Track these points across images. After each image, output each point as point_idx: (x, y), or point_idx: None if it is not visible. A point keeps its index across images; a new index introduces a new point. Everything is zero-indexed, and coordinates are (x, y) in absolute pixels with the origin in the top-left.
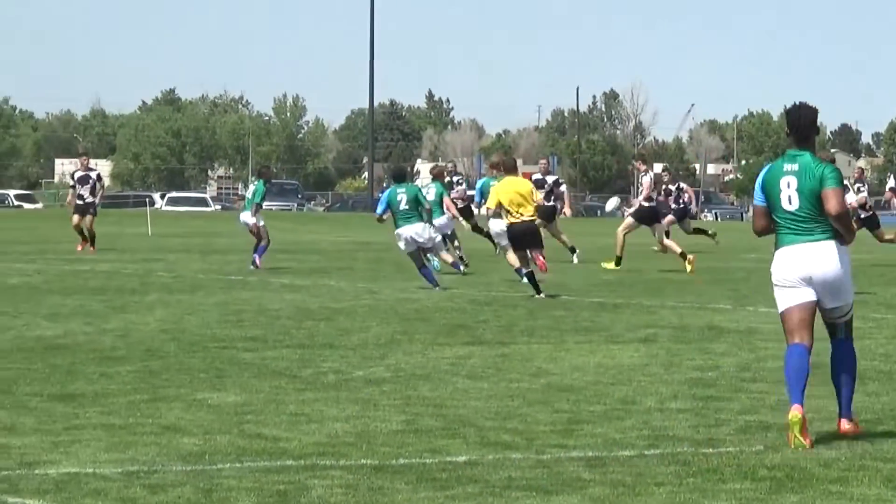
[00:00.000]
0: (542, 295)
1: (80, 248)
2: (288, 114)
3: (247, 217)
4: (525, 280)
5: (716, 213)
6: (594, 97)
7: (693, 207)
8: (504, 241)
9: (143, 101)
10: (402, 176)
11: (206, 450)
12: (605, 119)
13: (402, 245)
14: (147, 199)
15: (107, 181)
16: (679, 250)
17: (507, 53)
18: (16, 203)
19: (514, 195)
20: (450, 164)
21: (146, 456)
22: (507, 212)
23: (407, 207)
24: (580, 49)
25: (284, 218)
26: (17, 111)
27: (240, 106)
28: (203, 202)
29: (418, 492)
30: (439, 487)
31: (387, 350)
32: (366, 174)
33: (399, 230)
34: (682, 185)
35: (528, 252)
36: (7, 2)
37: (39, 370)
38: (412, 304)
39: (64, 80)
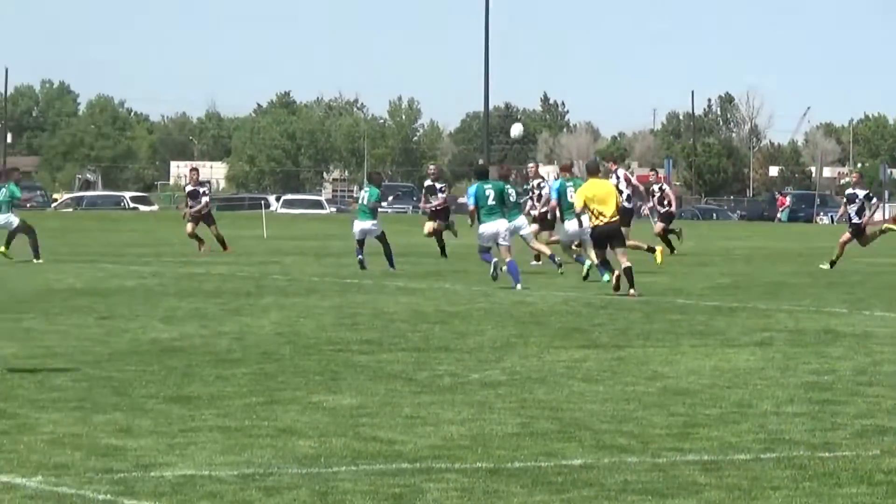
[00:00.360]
0: (606, 279)
1: (200, 249)
2: (403, 116)
3: (364, 225)
4: (606, 278)
5: (831, 217)
6: (709, 100)
7: (673, 209)
8: (569, 240)
9: (258, 104)
10: (486, 173)
11: (322, 452)
12: (721, 122)
13: (482, 240)
14: (262, 202)
15: (222, 183)
16: (644, 245)
17: (622, 56)
18: (131, 205)
19: (597, 196)
20: (431, 168)
21: (262, 458)
22: (591, 213)
23: (493, 203)
24: (695, 52)
25: (400, 220)
26: (132, 114)
27: (355, 108)
28: (318, 205)
29: (534, 495)
30: (555, 491)
31: (502, 353)
32: None
33: (482, 226)
34: (665, 186)
35: (606, 252)
36: (122, 5)
37: (155, 372)
38: (527, 308)
39: (179, 83)
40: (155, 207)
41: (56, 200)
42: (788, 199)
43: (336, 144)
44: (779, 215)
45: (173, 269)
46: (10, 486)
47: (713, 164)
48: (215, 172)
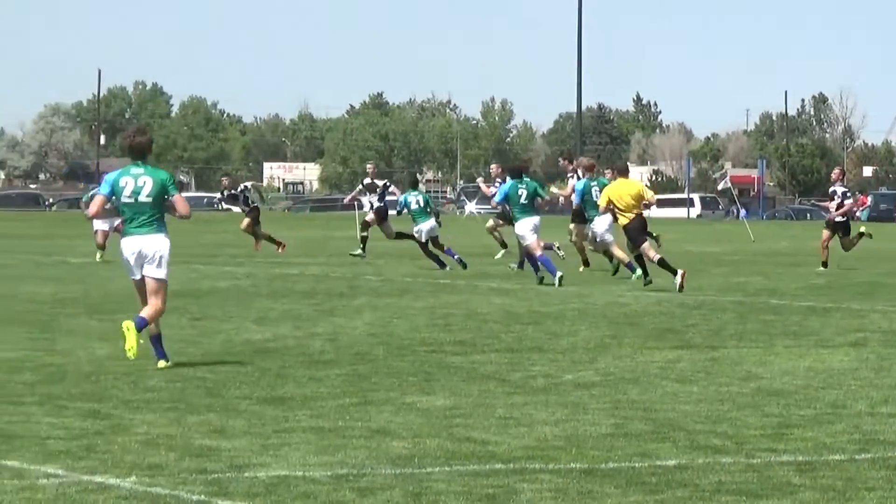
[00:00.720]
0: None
1: (257, 248)
2: (496, 117)
3: (431, 224)
4: (639, 272)
5: None
6: (803, 101)
7: None
8: (609, 238)
9: (351, 105)
10: (520, 172)
11: (416, 453)
12: (814, 122)
13: (526, 238)
14: (355, 203)
15: (315, 185)
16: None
17: (715, 56)
18: (225, 206)
19: (625, 196)
20: (369, 166)
21: (355, 459)
22: (620, 211)
23: (526, 202)
24: (788, 52)
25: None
26: (225, 115)
27: (447, 110)
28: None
29: (628, 496)
30: (649, 491)
31: (596, 354)
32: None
33: (518, 224)
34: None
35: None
36: (214, 7)
37: (249, 373)
38: (621, 308)
39: (272, 85)
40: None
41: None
42: (870, 198)
43: (429, 145)
44: (858, 213)
45: (266, 270)
46: (105, 486)
47: (807, 165)
48: (308, 174)
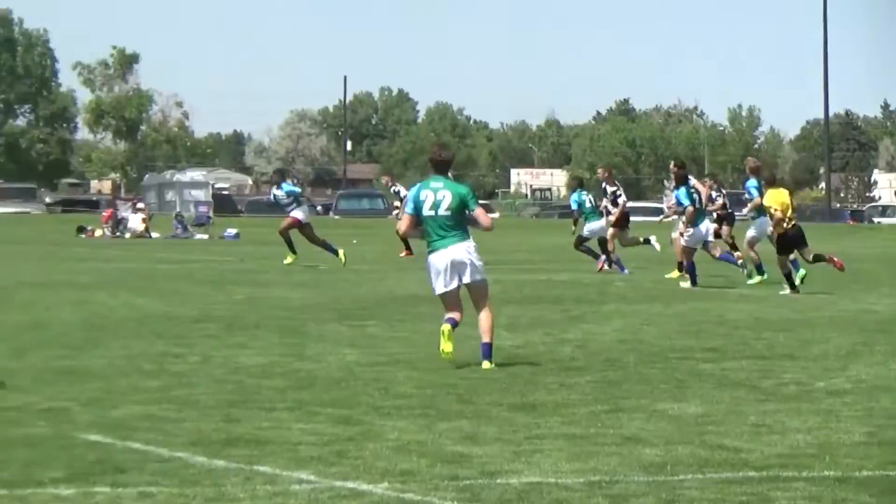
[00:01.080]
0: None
1: (403, 254)
2: (743, 123)
3: (598, 224)
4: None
5: None
6: None
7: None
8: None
9: (598, 112)
10: (686, 178)
11: (668, 460)
12: None
13: (695, 241)
14: (604, 210)
15: (563, 191)
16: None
17: None
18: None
19: (784, 203)
20: (384, 179)
21: (608, 466)
22: (781, 217)
23: (700, 206)
24: None
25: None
26: (471, 121)
27: (694, 116)
28: (659, 212)
29: None
30: None
31: (847, 361)
32: (823, 184)
33: (697, 228)
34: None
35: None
36: (460, 14)
37: (500, 380)
38: (872, 316)
39: (519, 92)
40: (496, 215)
41: (397, 208)
42: None
43: (676, 152)
44: None
45: (514, 276)
46: (357, 492)
47: None
48: (556, 180)
